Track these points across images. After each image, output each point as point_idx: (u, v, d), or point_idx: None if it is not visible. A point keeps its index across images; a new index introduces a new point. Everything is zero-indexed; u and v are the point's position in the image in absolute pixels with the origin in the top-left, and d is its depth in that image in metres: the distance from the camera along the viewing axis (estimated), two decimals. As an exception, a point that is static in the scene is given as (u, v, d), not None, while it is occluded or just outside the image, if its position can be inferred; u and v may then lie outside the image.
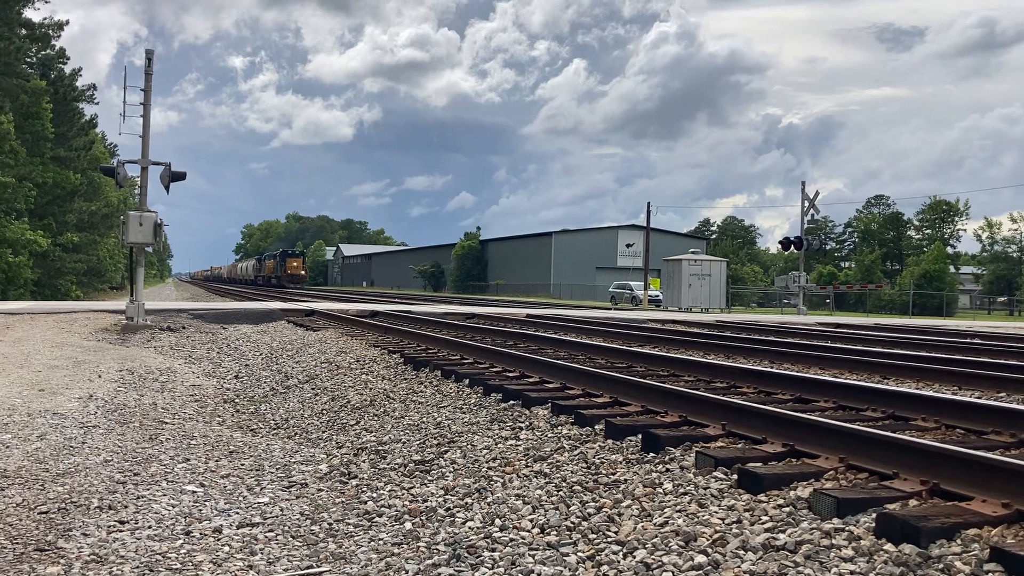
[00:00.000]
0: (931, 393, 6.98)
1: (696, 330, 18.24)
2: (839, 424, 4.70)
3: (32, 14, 38.70)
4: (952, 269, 75.34)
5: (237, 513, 4.96)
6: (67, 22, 41.56)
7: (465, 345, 11.00)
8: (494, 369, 8.99)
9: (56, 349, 12.47)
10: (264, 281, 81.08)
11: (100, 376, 10.09)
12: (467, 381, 8.19)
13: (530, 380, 8.07)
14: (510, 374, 8.55)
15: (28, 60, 40.62)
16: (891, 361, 10.11)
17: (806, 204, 35.35)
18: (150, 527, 4.61)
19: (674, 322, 22.04)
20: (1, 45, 32.78)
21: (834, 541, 3.44)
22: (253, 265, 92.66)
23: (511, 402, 6.99)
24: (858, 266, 76.75)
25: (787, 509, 3.85)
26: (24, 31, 38.25)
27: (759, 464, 4.46)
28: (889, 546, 3.32)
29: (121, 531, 4.52)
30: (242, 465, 6.21)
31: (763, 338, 15.14)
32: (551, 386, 7.63)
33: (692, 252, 43.59)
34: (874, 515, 3.56)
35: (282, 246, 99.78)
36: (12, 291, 35.52)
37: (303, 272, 78.02)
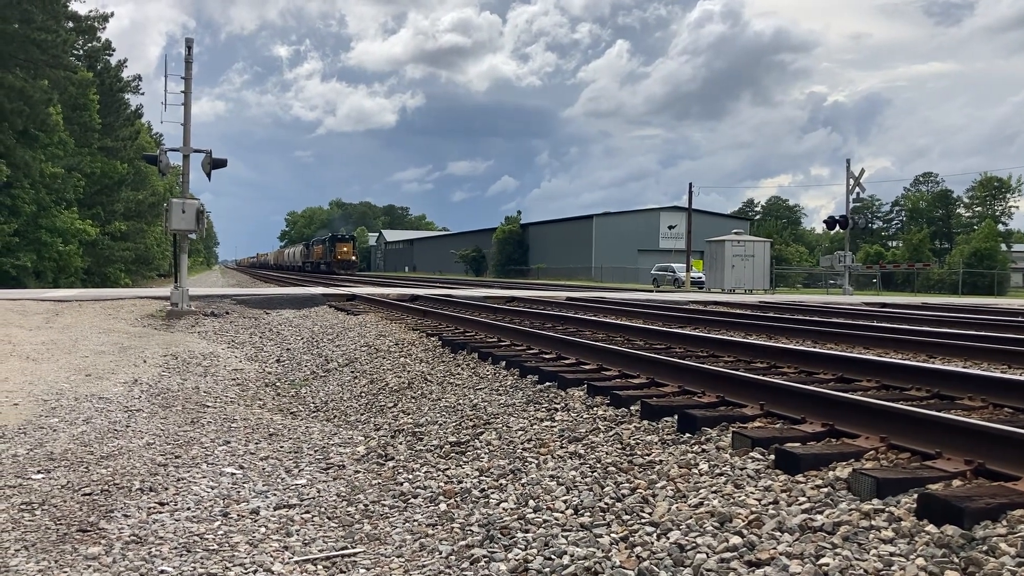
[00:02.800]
0: (978, 372, 6.81)
1: (738, 311, 18.03)
2: (880, 403, 4.59)
3: (78, 7, 39.38)
4: (1004, 247, 73.55)
5: (275, 495, 5.00)
6: (112, 14, 42.21)
7: (503, 328, 10.98)
8: (531, 351, 8.97)
9: (103, 335, 12.70)
10: (313, 267, 79.17)
11: (145, 361, 10.26)
12: (504, 363, 8.17)
13: (567, 362, 8.03)
14: (547, 356, 8.51)
15: (75, 52, 41.33)
16: (938, 340, 9.89)
17: (851, 183, 34.73)
18: (189, 509, 4.66)
19: (716, 303, 21.81)
20: (48, 38, 33.32)
21: (873, 522, 3.36)
22: (301, 251, 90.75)
23: (547, 383, 6.95)
24: (906, 245, 75.24)
25: (825, 490, 3.76)
26: (71, 24, 38.89)
27: (797, 444, 4.37)
28: (931, 527, 3.23)
29: (161, 512, 4.58)
30: (281, 447, 6.26)
31: (806, 318, 14.90)
32: (587, 367, 7.58)
33: (735, 233, 43.08)
34: (915, 496, 3.47)
35: (327, 232, 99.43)
36: (63, 279, 36.34)
37: (354, 257, 75.30)
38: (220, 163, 18.13)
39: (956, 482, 3.67)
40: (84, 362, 9.98)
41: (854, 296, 32.37)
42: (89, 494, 4.86)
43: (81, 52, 43.47)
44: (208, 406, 7.91)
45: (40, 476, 5.20)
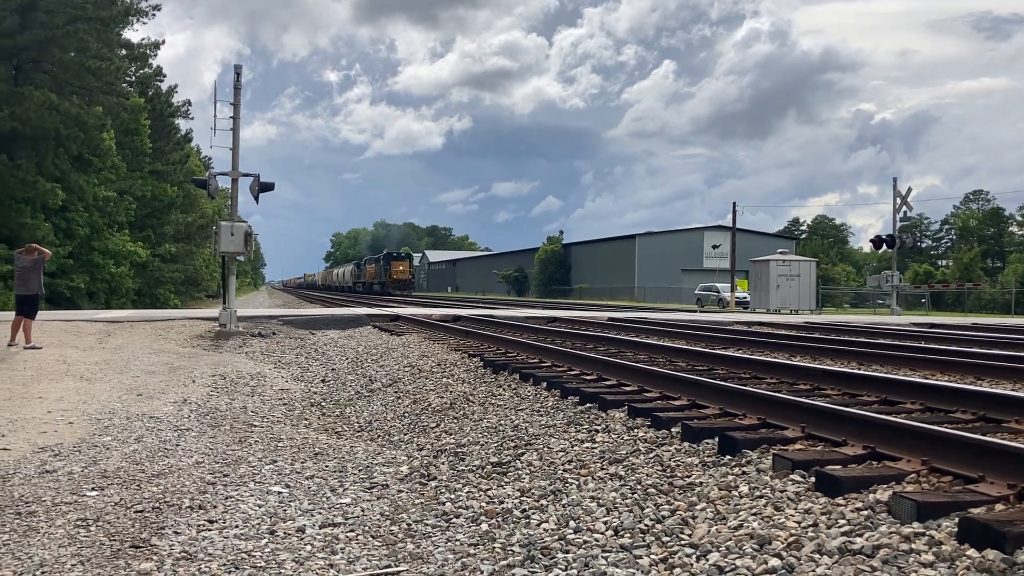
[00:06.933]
0: (1027, 395, 6.70)
1: (783, 332, 17.89)
2: (922, 426, 4.57)
3: (131, 35, 40.47)
4: (1059, 265, 71.75)
5: (320, 513, 5.10)
6: (163, 42, 43.36)
7: (544, 348, 11.04)
8: (572, 372, 9.02)
9: (153, 355, 13.00)
10: (365, 288, 74.82)
11: (194, 381, 10.48)
12: (545, 384, 8.24)
13: (607, 383, 8.07)
14: (588, 377, 8.56)
15: (127, 79, 42.42)
16: (987, 362, 9.74)
17: (898, 201, 34.28)
18: (237, 526, 4.78)
19: (760, 324, 21.65)
20: (103, 65, 34.28)
21: (913, 546, 3.35)
22: (351, 271, 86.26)
23: (588, 405, 7.00)
24: (956, 264, 73.85)
25: (865, 513, 3.76)
26: (124, 51, 39.99)
27: (838, 467, 4.37)
28: (972, 552, 3.22)
29: (210, 530, 4.70)
30: (326, 467, 6.37)
31: (852, 339, 14.74)
32: (628, 389, 7.61)
33: (780, 252, 42.72)
34: (956, 519, 3.46)
35: (368, 253, 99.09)
36: (115, 300, 37.13)
37: (410, 276, 70.26)
38: (268, 187, 18.50)
39: (999, 506, 3.65)
40: (135, 382, 10.23)
41: (902, 316, 31.86)
42: (141, 511, 5.00)
43: (133, 78, 44.63)
44: (255, 425, 8.07)
45: (94, 493, 5.36)
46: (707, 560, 3.61)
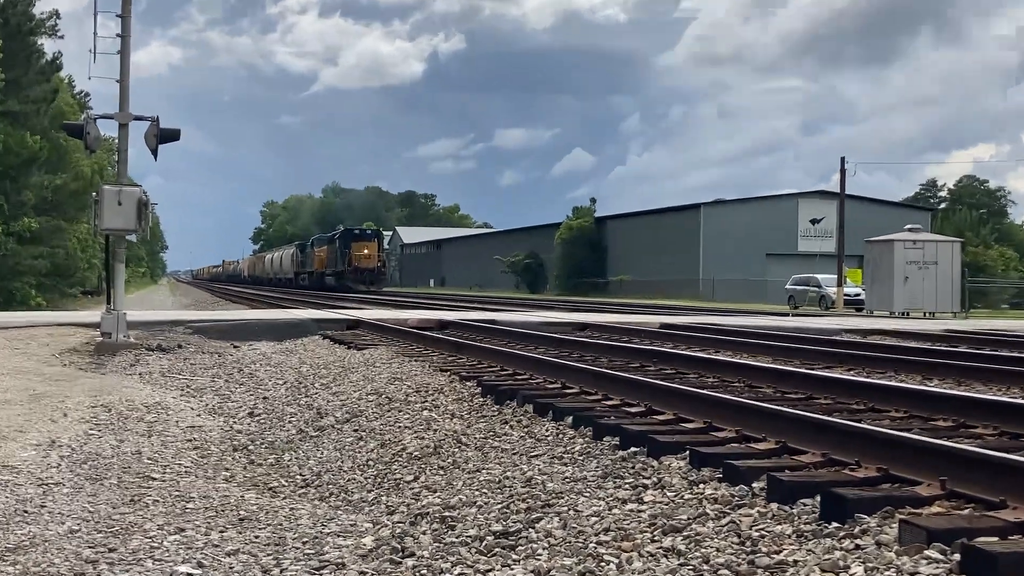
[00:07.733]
0: None
1: (913, 344, 17.90)
2: (1116, 480, 4.56)
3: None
4: None
5: (247, 604, 5.12)
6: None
7: (569, 368, 11.09)
8: (609, 402, 9.06)
9: (7, 378, 13.05)
10: (312, 280, 74.59)
11: (65, 415, 10.51)
12: (570, 419, 8.26)
13: (660, 417, 8.11)
14: (632, 409, 8.59)
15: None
16: None
17: (1081, 155, 34.22)
18: (129, 622, 4.81)
19: (881, 332, 21.66)
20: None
21: (1103, 653, 3.36)
22: (292, 256, 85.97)
23: (632, 449, 7.01)
24: None
25: (1033, 605, 3.77)
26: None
27: (994, 539, 4.37)
28: None
29: (90, 627, 4.73)
30: (256, 538, 6.40)
31: (1012, 355, 14.73)
32: (691, 426, 7.65)
33: (909, 229, 42.69)
34: None
35: (317, 230, 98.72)
36: (-49, 299, 37.25)
37: (379, 263, 70.96)
38: (171, 135, 18.52)
39: None
40: (-18, 416, 10.27)
41: (1086, 322, 31.82)
42: (-8, 601, 5.04)
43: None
44: (154, 479, 8.10)
45: (-76, 575, 5.39)
46: (804, 672, 3.62)
